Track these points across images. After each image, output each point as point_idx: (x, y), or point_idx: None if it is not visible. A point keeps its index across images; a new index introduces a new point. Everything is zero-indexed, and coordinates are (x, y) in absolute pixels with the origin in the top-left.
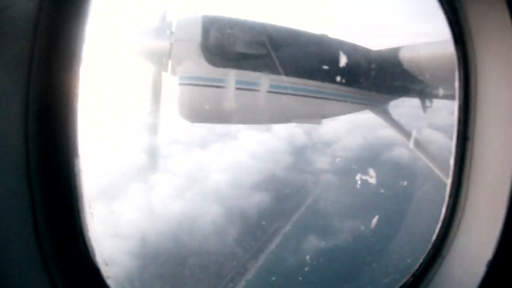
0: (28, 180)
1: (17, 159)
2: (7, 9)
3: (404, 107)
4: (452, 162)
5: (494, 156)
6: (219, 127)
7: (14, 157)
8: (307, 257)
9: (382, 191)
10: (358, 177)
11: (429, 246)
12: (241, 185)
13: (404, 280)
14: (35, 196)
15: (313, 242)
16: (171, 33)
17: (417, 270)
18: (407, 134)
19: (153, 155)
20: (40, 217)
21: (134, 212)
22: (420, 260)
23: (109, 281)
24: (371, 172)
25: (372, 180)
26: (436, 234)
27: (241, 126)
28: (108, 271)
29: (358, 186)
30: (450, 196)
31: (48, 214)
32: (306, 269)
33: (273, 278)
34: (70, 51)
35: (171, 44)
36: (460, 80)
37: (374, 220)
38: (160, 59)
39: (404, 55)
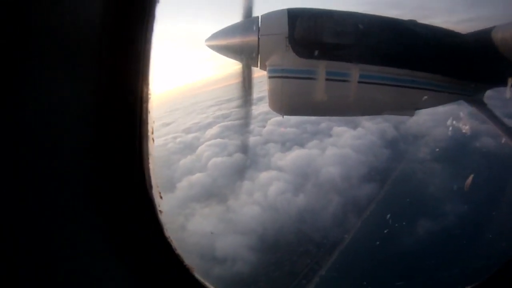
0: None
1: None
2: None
3: None
4: None
5: None
6: (310, 126)
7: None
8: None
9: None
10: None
11: None
12: (352, 176)
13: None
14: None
15: (426, 225)
16: (258, 28)
17: None
18: (505, 127)
19: (250, 153)
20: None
21: (253, 208)
22: None
23: (161, 216)
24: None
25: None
26: None
27: (332, 123)
28: (161, 204)
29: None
30: None
31: (107, 135)
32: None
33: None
34: (138, 53)
35: (259, 39)
36: None
37: (469, 180)
38: (249, 55)
39: (497, 37)
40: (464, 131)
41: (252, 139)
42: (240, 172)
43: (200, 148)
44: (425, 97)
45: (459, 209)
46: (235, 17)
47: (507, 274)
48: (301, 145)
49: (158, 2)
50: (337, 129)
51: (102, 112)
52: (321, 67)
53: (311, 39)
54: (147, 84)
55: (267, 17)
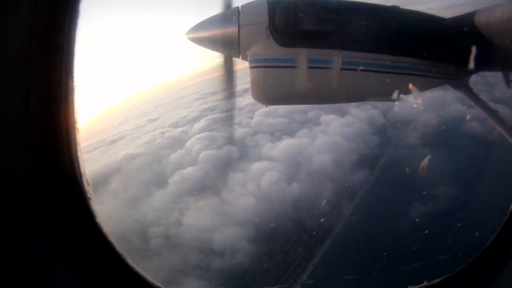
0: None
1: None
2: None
3: None
4: None
5: None
6: (298, 115)
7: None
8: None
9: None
10: None
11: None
12: (344, 164)
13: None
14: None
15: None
16: (238, 18)
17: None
18: (490, 110)
19: (240, 145)
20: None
21: (248, 199)
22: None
23: (91, 203)
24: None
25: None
26: None
27: (320, 112)
28: (90, 191)
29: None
30: None
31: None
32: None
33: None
34: (62, 47)
35: (239, 29)
36: None
37: (425, 161)
38: (230, 46)
39: (480, 20)
40: (415, 105)
41: (241, 131)
42: (230, 163)
43: (189, 142)
44: (410, 82)
45: (449, 195)
46: (215, 8)
47: (481, 265)
48: (291, 134)
49: None
50: (325, 117)
51: (30, 107)
52: (303, 55)
53: (292, 28)
54: (72, 77)
55: (247, 7)
